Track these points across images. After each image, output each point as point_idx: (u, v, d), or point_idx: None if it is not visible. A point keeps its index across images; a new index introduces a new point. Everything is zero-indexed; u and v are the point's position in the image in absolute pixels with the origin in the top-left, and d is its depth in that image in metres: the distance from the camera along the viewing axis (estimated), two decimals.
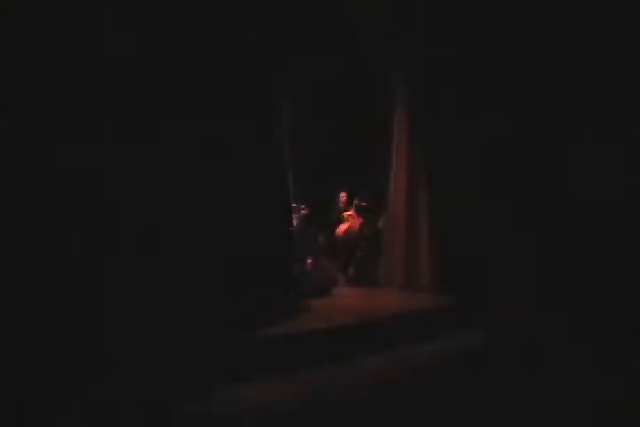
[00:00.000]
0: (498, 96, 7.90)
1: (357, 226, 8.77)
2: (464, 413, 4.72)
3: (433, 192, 8.03)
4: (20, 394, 4.34)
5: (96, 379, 4.58)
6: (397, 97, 8.40)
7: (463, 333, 6.88)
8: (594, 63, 7.73)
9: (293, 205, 8.32)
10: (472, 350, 6.43)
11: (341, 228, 8.81)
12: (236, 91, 5.92)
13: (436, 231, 8.01)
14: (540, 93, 7.87)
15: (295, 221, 8.00)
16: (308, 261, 7.85)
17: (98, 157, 5.03)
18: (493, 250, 7.78)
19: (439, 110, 8.00)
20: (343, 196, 9.18)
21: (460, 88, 7.97)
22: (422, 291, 8.00)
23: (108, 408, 4.42)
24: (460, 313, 7.23)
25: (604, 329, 6.57)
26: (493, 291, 7.59)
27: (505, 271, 7.69)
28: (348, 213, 8.91)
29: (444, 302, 7.53)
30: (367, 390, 5.23)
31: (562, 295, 7.34)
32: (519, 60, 7.89)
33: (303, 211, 8.16)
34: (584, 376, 5.48)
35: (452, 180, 7.92)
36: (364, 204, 8.84)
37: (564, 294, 7.33)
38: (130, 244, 5.17)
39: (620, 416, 4.61)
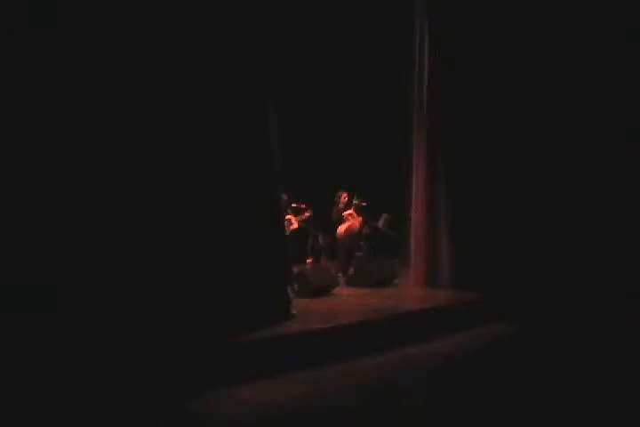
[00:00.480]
0: (505, 94, 7.98)
1: (357, 226, 8.77)
2: (461, 413, 4.73)
3: (451, 196, 8.17)
4: (20, 394, 4.35)
5: (94, 379, 4.58)
6: (412, 98, 8.46)
7: (461, 332, 6.89)
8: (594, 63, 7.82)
9: (293, 205, 8.34)
10: (471, 350, 6.45)
11: (341, 228, 8.81)
12: (219, 92, 5.89)
13: (455, 233, 8.14)
14: (543, 91, 7.97)
15: (297, 222, 8.01)
16: (308, 261, 7.86)
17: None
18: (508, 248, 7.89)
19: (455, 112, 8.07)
20: (344, 196, 9.18)
21: (470, 88, 8.02)
22: (440, 289, 8.11)
23: (108, 408, 4.43)
24: (460, 312, 7.26)
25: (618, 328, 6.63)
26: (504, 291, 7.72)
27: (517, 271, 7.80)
28: (348, 212, 8.91)
29: (446, 301, 7.57)
30: (367, 390, 5.24)
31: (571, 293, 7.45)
32: (523, 60, 7.97)
33: (307, 213, 8.16)
34: (590, 375, 5.49)
35: (467, 180, 8.03)
36: (364, 204, 8.84)
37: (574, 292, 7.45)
38: (130, 245, 5.17)
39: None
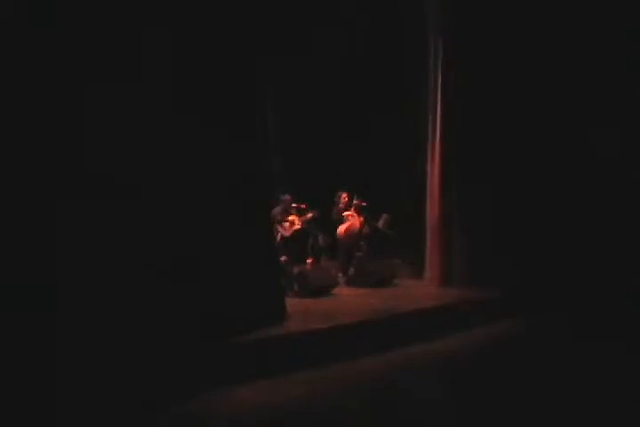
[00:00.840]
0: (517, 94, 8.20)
1: (357, 226, 8.77)
2: (461, 413, 4.73)
3: (464, 196, 8.38)
4: (20, 394, 4.35)
5: (94, 379, 4.58)
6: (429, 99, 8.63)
7: (463, 332, 6.90)
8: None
9: (294, 205, 8.35)
10: (472, 350, 6.45)
11: (341, 228, 8.81)
12: (219, 92, 5.89)
13: (468, 236, 8.37)
14: (553, 104, 8.23)
15: (300, 223, 8.01)
16: (308, 261, 7.86)
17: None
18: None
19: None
20: (343, 196, 9.18)
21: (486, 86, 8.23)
22: (447, 288, 8.27)
23: (108, 408, 4.43)
24: (462, 312, 7.29)
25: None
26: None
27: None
28: (348, 213, 8.91)
29: (449, 301, 7.61)
30: (367, 390, 5.24)
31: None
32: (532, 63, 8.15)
33: (309, 214, 8.17)
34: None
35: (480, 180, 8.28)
36: (364, 204, 8.84)
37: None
38: (130, 245, 5.17)
39: None
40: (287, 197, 8.55)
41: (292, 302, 7.05)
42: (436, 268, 8.51)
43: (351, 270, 8.61)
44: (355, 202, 8.89)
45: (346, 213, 8.92)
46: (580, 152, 8.30)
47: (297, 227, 7.99)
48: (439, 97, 8.47)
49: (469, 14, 8.30)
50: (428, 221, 8.65)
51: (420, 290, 8.35)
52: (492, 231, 8.27)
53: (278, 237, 7.95)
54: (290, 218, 8.11)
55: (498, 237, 8.25)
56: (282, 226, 8.05)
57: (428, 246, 8.66)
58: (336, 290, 7.98)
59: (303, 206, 8.29)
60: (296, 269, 7.65)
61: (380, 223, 8.94)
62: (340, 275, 8.62)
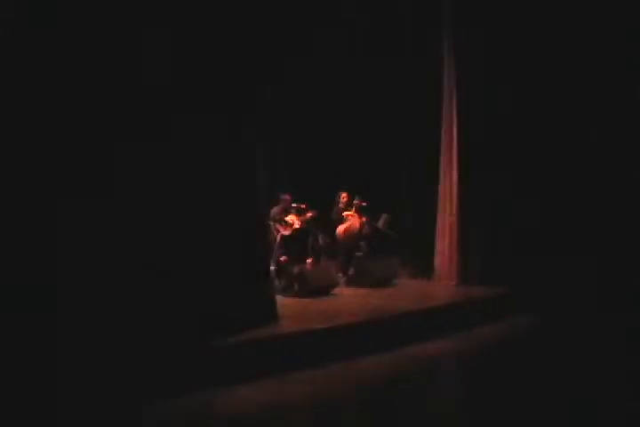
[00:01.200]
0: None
1: (357, 226, 8.77)
2: (461, 412, 4.73)
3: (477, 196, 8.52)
4: (20, 394, 4.35)
5: (94, 378, 4.58)
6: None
7: (462, 332, 6.90)
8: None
9: (294, 205, 8.35)
10: (471, 350, 6.45)
11: (341, 228, 8.81)
12: (219, 92, 5.88)
13: (480, 231, 8.53)
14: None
15: (299, 222, 8.02)
16: (308, 261, 7.86)
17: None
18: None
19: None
20: (343, 196, 9.19)
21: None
22: (452, 287, 8.41)
23: (107, 408, 4.43)
24: (462, 312, 7.29)
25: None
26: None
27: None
28: (348, 213, 8.91)
29: (448, 300, 7.65)
30: (367, 390, 5.24)
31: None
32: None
33: (309, 213, 8.18)
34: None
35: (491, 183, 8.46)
36: (364, 204, 8.85)
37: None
38: (130, 245, 5.17)
39: None
40: (287, 196, 8.56)
41: (291, 302, 7.07)
42: (449, 267, 8.57)
43: (351, 270, 8.62)
44: (355, 202, 8.90)
45: (346, 213, 8.92)
46: (580, 152, 8.36)
47: (296, 226, 8.00)
48: (454, 102, 8.58)
49: (472, 16, 8.34)
50: (441, 222, 8.70)
51: (420, 290, 8.36)
52: (502, 231, 8.39)
53: (278, 236, 7.97)
54: (289, 217, 8.12)
55: (506, 237, 8.36)
56: (281, 225, 8.07)
57: (438, 246, 8.71)
58: (336, 290, 7.98)
59: (303, 206, 8.29)
60: (296, 269, 7.65)
61: (380, 223, 8.95)
62: (339, 275, 8.62)
